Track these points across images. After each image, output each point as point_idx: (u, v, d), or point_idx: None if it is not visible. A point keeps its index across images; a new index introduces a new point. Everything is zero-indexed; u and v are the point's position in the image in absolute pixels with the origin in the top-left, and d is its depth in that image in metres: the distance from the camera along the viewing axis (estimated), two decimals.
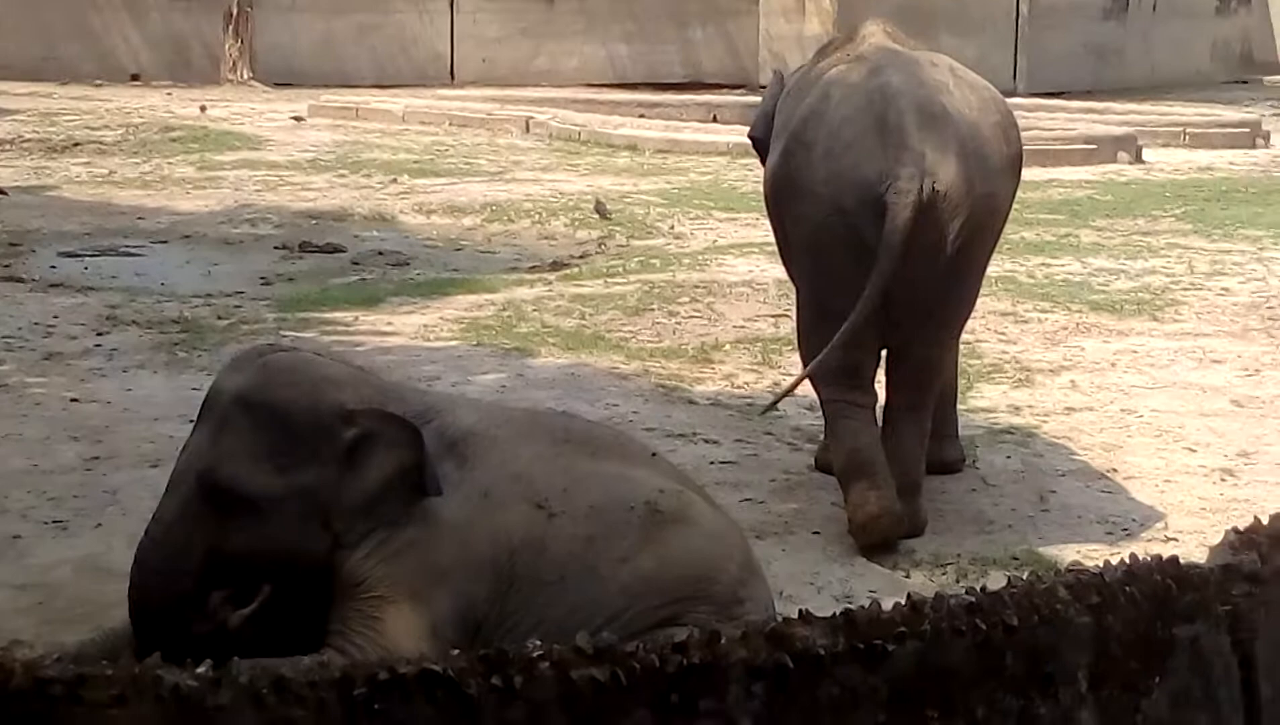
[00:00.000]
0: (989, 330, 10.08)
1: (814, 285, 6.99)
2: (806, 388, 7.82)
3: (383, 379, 5.01)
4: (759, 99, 8.63)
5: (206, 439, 4.51)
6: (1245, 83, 31.32)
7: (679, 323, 10.35)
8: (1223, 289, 11.80)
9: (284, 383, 4.53)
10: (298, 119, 21.95)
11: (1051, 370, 9.36)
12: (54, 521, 6.40)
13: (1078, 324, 10.54)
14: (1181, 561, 3.25)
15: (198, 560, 4.45)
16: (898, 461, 6.68)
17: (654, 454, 5.13)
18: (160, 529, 4.55)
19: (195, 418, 4.62)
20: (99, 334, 9.62)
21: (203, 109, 22.51)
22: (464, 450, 4.55)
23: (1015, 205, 7.26)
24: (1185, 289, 11.76)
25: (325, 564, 4.45)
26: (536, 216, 14.62)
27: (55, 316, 10.03)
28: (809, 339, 7.06)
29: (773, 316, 10.39)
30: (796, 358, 8.63)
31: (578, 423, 5.19)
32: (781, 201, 7.11)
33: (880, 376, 6.98)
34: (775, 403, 7.50)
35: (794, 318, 7.50)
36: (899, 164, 6.50)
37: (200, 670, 2.64)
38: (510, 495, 4.52)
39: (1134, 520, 6.94)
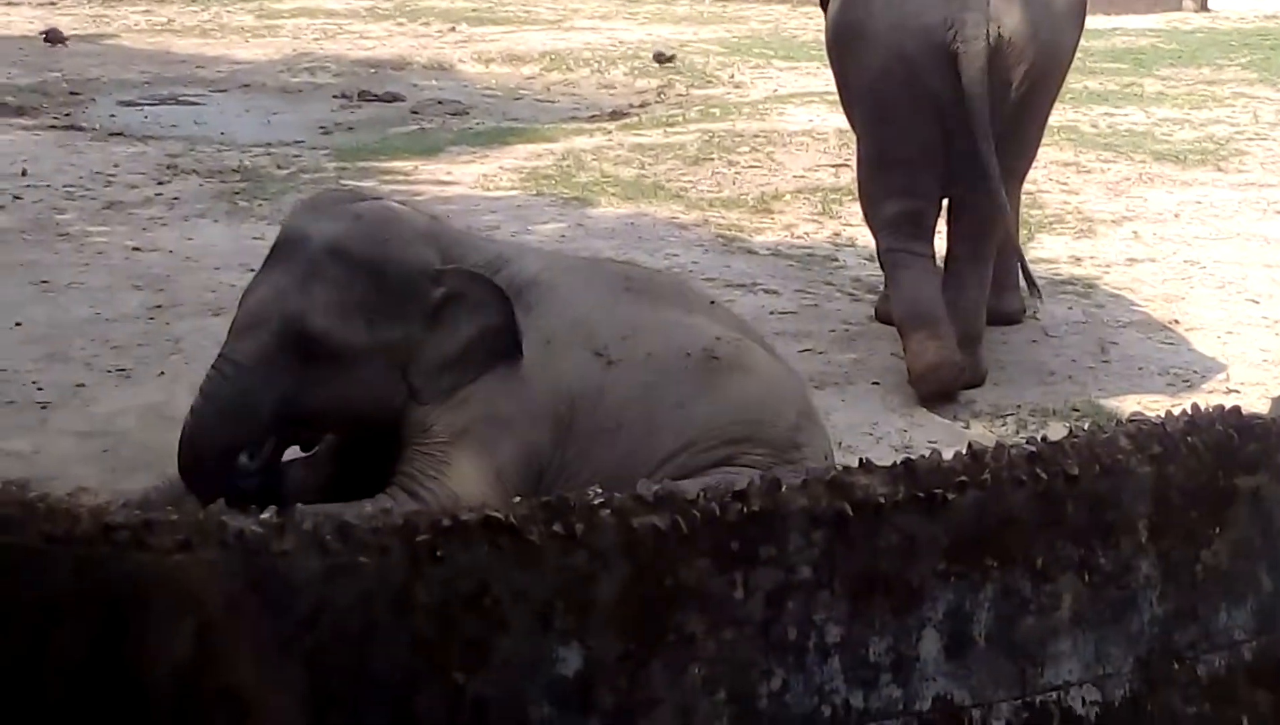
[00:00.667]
0: (1051, 180, 10.01)
1: (875, 134, 6.94)
2: (866, 238, 7.80)
3: (456, 228, 4.98)
4: None
5: (294, 284, 4.40)
6: None
7: (739, 172, 10.30)
8: None
9: (379, 237, 4.46)
10: None
11: (1114, 221, 9.29)
12: (117, 370, 6.42)
13: (1141, 174, 10.45)
14: (1243, 412, 3.23)
15: (270, 405, 4.38)
16: (958, 312, 6.66)
17: (713, 302, 5.11)
18: (234, 369, 4.40)
19: (268, 258, 4.52)
20: (159, 183, 9.63)
21: None
22: (529, 298, 4.53)
23: (1078, 54, 7.18)
24: (1250, 139, 11.63)
25: (395, 418, 4.45)
26: (595, 65, 14.55)
27: (116, 165, 10.03)
28: (869, 188, 7.02)
29: (833, 166, 10.33)
30: (857, 207, 8.60)
31: (638, 271, 5.17)
32: (843, 50, 7.05)
33: (941, 228, 6.94)
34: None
35: (854, 167, 7.46)
36: (964, 10, 6.44)
37: (264, 516, 2.66)
38: (571, 343, 4.52)
39: (1195, 372, 6.90)
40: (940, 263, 6.90)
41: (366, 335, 4.39)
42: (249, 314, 4.46)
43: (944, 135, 6.60)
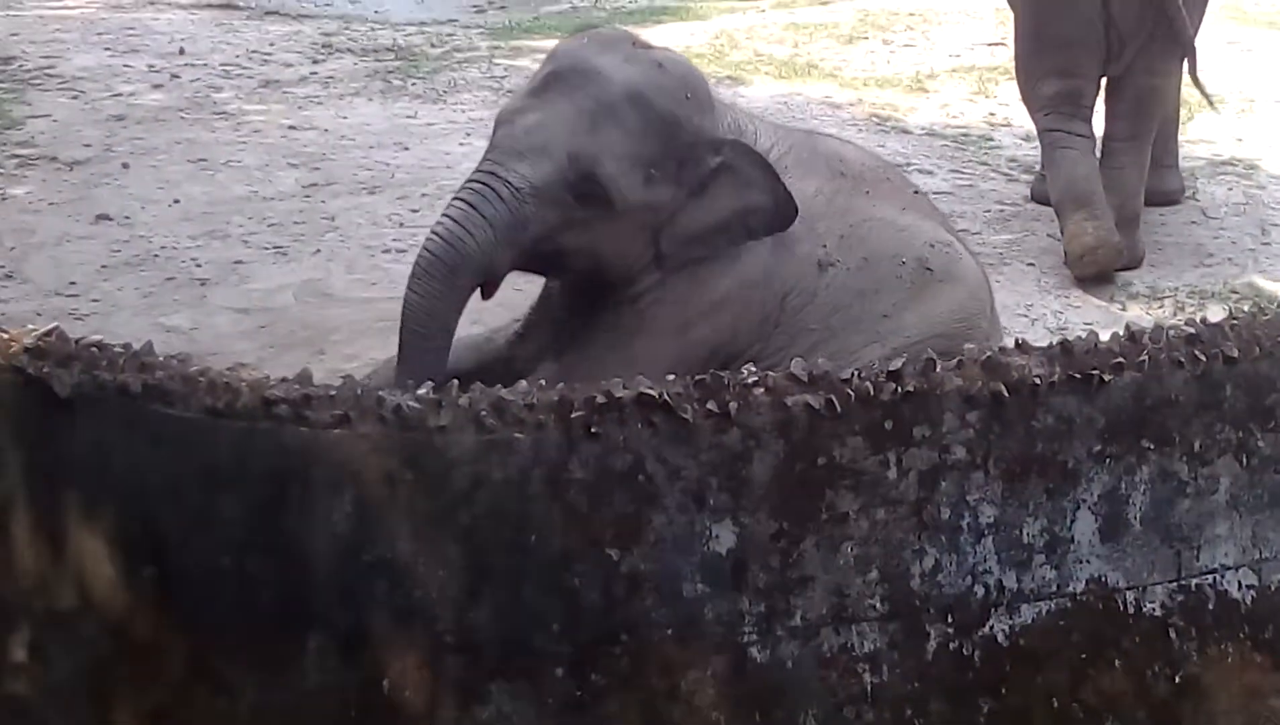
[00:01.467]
0: (1211, 58, 9.81)
1: (1035, 10, 6.87)
2: (1022, 118, 7.72)
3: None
4: None
5: (586, 121, 4.23)
6: None
7: (893, 51, 10.20)
8: None
9: (680, 94, 4.33)
10: None
11: (1277, 100, 9.11)
12: (274, 247, 6.49)
13: None
14: None
15: (535, 235, 4.23)
16: (1116, 192, 6.59)
17: (916, 191, 5.04)
18: (510, 191, 4.18)
19: (541, 84, 4.32)
20: (314, 61, 9.67)
21: None
22: None
23: None
24: None
25: (631, 277, 4.40)
26: None
27: (271, 44, 10.08)
28: (1028, 66, 6.96)
29: (989, 44, 10.20)
30: (1013, 87, 8.47)
31: (850, 151, 5.03)
32: None
33: (1100, 106, 6.85)
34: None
35: (1012, 45, 7.37)
36: None
37: (422, 392, 2.69)
38: (793, 236, 4.45)
39: None
40: (1099, 143, 6.81)
41: (643, 190, 4.28)
42: (528, 138, 4.26)
43: (1103, 12, 6.51)
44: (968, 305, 4.58)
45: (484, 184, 4.20)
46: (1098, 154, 6.75)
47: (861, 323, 4.42)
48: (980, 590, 2.83)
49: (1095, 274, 6.42)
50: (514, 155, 4.23)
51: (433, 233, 4.21)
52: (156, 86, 8.89)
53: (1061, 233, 6.54)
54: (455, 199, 4.22)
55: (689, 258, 4.39)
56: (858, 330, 4.41)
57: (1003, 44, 10.01)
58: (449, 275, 4.17)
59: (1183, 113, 8.39)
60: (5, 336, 2.72)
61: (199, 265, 6.26)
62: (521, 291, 4.72)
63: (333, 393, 2.68)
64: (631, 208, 4.26)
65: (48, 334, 2.72)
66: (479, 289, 4.28)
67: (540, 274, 4.59)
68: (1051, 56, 6.67)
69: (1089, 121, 6.78)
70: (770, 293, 4.42)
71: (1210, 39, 9.71)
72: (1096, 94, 6.82)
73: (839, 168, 4.70)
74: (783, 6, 11.61)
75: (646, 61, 4.37)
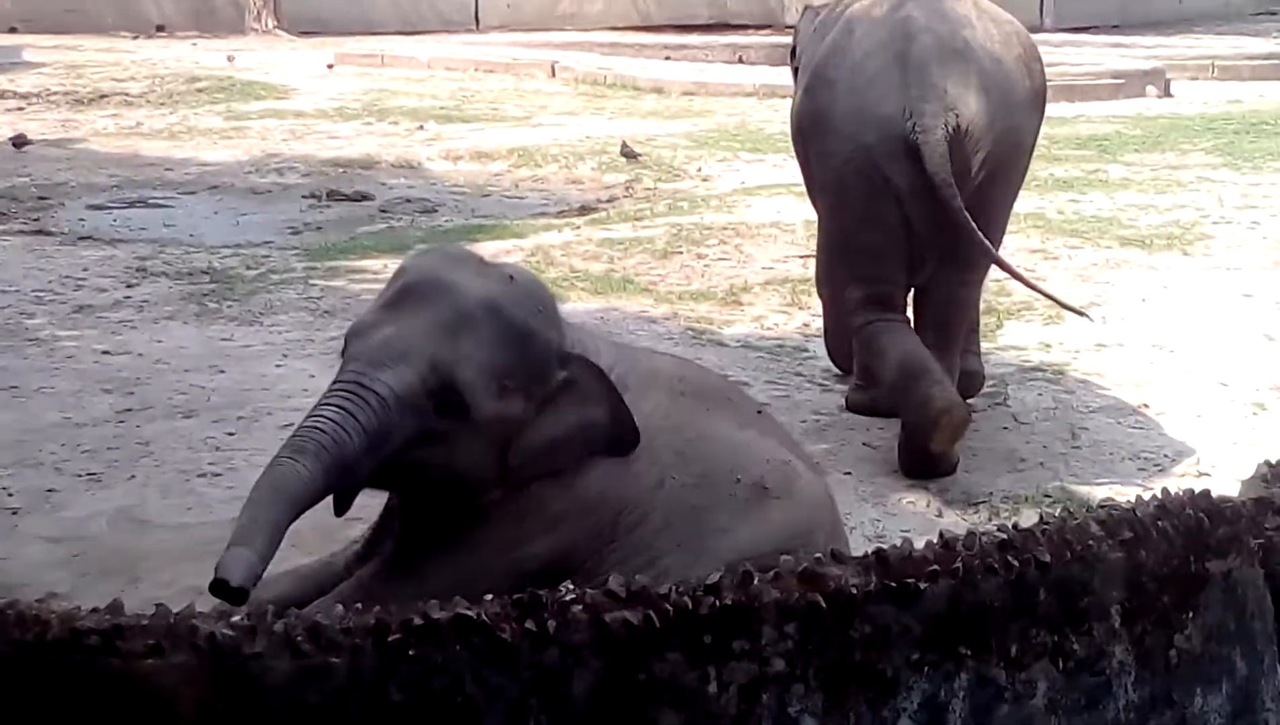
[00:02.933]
0: (1020, 267, 10.03)
1: (838, 222, 7.00)
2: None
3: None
4: (786, 39, 8.60)
5: (444, 331, 4.23)
6: (1275, 14, 31.13)
7: (707, 265, 10.33)
8: (1253, 222, 11.74)
9: (531, 306, 4.38)
10: (331, 67, 22.00)
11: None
12: (88, 474, 6.40)
13: (1107, 260, 10.49)
14: (1214, 495, 3.25)
15: (394, 445, 4.18)
16: None
17: (760, 411, 5.10)
18: (376, 399, 4.14)
19: (393, 299, 4.33)
20: (129, 286, 9.62)
21: (230, 59, 22.50)
22: None
23: (1043, 141, 7.24)
24: (1215, 223, 11.70)
25: (479, 493, 4.37)
26: (563, 161, 14.59)
27: (85, 269, 10.03)
28: (835, 273, 7.08)
29: (801, 257, 10.34)
30: None
31: (691, 371, 5.09)
32: (806, 138, 7.13)
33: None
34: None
35: (815, 254, 7.51)
36: (922, 100, 6.50)
37: (235, 619, 2.66)
38: (630, 454, 4.47)
39: (1166, 455, 6.92)
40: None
41: (497, 402, 4.28)
42: (388, 348, 4.22)
43: (906, 223, 6.65)
44: (803, 522, 4.57)
45: (351, 392, 4.16)
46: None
47: (698, 539, 4.41)
48: None
49: (950, 438, 6.44)
50: (376, 365, 4.20)
51: (308, 427, 4.14)
52: None
53: (906, 410, 6.53)
54: (324, 404, 4.17)
55: (533, 474, 4.39)
56: (693, 548, 4.39)
57: (814, 256, 10.18)
58: (316, 464, 4.07)
59: (991, 320, 8.58)
60: None
61: (10, 494, 6.16)
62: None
63: (145, 622, 2.64)
64: (487, 419, 4.26)
65: None
66: (333, 498, 4.23)
67: (388, 489, 4.56)
68: (858, 264, 6.80)
69: (904, 316, 6.90)
70: (606, 509, 4.42)
71: (1016, 248, 9.98)
72: (905, 300, 6.94)
73: (679, 387, 4.72)
74: (597, 223, 11.74)
75: (498, 275, 4.42)
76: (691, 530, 4.42)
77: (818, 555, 2.92)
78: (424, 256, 4.81)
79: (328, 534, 5.19)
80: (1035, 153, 7.21)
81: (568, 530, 4.40)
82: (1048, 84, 7.22)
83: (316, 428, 4.12)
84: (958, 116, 6.51)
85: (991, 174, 6.66)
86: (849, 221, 6.88)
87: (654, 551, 4.39)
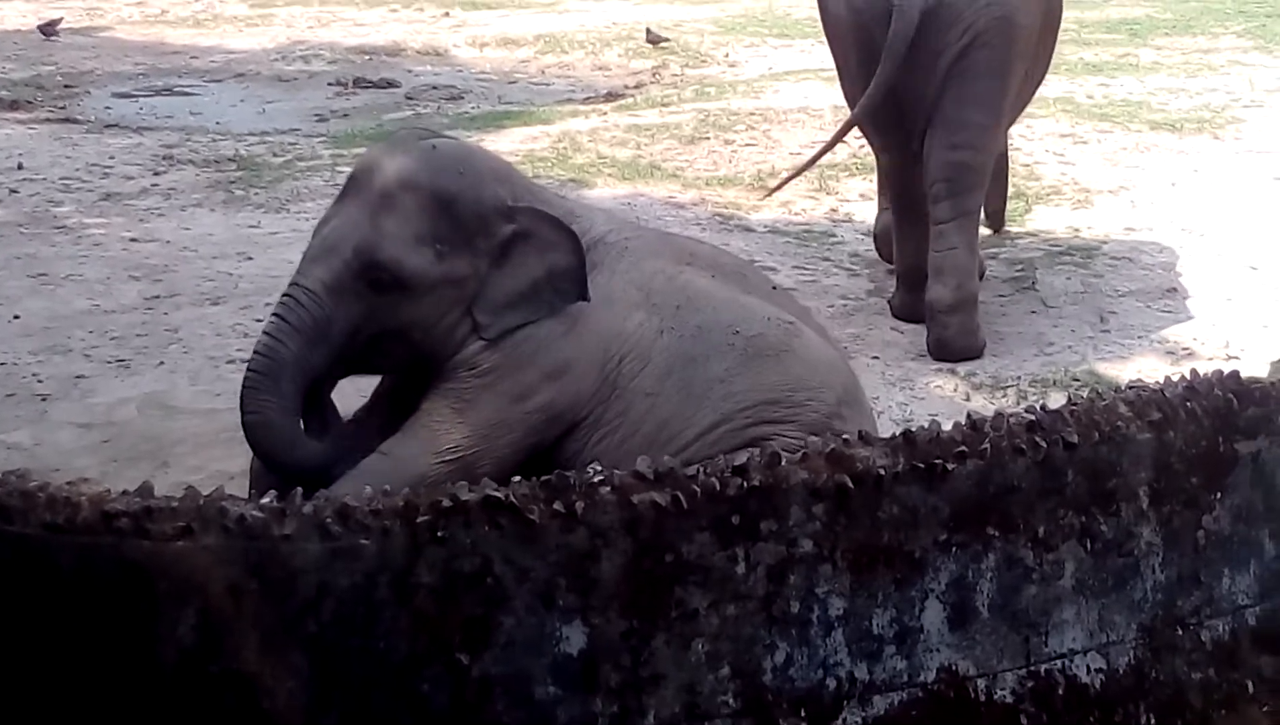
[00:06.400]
0: (1048, 151, 9.98)
1: (841, 79, 7.27)
2: (863, 214, 7.84)
3: (528, 178, 5.03)
4: None
5: (365, 216, 4.46)
6: None
7: (735, 151, 10.28)
8: None
9: (452, 170, 4.54)
10: None
11: (1111, 191, 9.27)
12: (117, 360, 6.42)
13: (1137, 144, 10.42)
14: (1243, 377, 3.23)
15: (342, 330, 4.43)
16: (950, 272, 6.68)
17: (775, 287, 5.18)
18: (307, 295, 4.42)
19: (341, 192, 4.59)
20: (156, 174, 9.61)
21: None
22: (595, 256, 4.64)
23: (1072, 25, 7.23)
24: (1245, 106, 11.60)
25: (455, 354, 4.53)
26: (590, 47, 14.53)
27: (112, 157, 10.02)
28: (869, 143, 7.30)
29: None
30: (854, 183, 8.60)
31: (705, 248, 5.23)
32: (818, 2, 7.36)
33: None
34: (780, 186, 7.96)
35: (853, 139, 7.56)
36: None
37: (265, 501, 2.66)
38: (629, 304, 4.64)
39: (1195, 338, 6.90)
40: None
41: (435, 266, 4.46)
42: (322, 242, 4.51)
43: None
44: (802, 377, 4.63)
45: (288, 295, 4.45)
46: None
47: (693, 387, 4.53)
48: (832, 683, 2.84)
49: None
50: (311, 261, 4.50)
51: (253, 352, 4.44)
52: None
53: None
54: (271, 315, 4.47)
55: (508, 326, 4.53)
56: (691, 395, 4.52)
57: (842, 141, 10.15)
58: (271, 386, 4.38)
59: (1019, 205, 8.54)
60: None
61: (40, 380, 6.19)
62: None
63: (175, 504, 2.65)
64: (429, 283, 4.47)
65: None
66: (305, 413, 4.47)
67: (373, 372, 4.75)
68: (871, 133, 6.96)
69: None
70: (607, 357, 4.55)
71: (1045, 132, 9.92)
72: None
73: (688, 258, 4.84)
74: (624, 110, 11.69)
75: (420, 149, 4.58)
76: (690, 378, 4.53)
77: (845, 436, 2.91)
78: (371, 147, 5.04)
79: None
80: (1064, 36, 7.17)
81: (572, 379, 4.53)
82: None
83: (256, 352, 4.42)
84: None
85: (969, 50, 6.66)
86: (845, 80, 7.19)
87: (654, 399, 4.52)
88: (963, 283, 6.71)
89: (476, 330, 4.52)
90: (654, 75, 13.27)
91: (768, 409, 4.54)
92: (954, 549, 2.90)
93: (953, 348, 6.69)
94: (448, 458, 4.40)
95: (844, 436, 2.90)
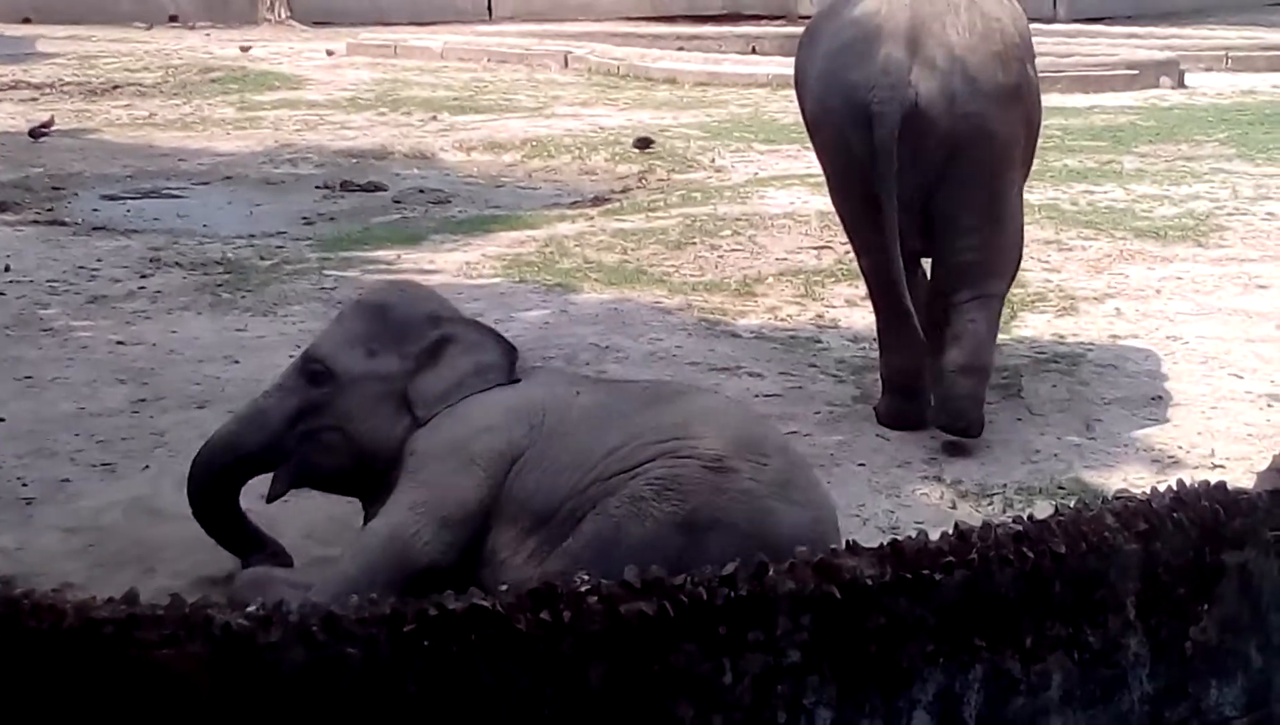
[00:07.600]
0: (1033, 258, 10.00)
1: (825, 175, 7.28)
2: (849, 320, 7.86)
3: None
4: (799, 30, 8.61)
5: (324, 330, 5.44)
6: None
7: (721, 256, 10.32)
8: (1268, 214, 11.72)
9: (395, 293, 5.51)
10: (331, 54, 22.11)
11: (1096, 298, 9.31)
12: (102, 464, 6.42)
13: (1121, 251, 10.48)
14: (1229, 487, 3.24)
15: (279, 419, 5.18)
16: (968, 340, 6.71)
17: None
18: (263, 394, 5.33)
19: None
20: (143, 276, 9.63)
21: (244, 49, 22.54)
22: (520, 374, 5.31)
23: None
24: (1230, 214, 11.68)
25: (398, 451, 5.09)
26: (577, 152, 14.60)
27: (99, 260, 10.04)
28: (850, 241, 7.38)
29: (815, 248, 10.36)
30: (840, 289, 8.62)
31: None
32: (797, 89, 7.41)
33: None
34: None
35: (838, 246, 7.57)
36: (885, 73, 6.60)
37: (251, 609, 2.66)
38: (552, 381, 5.31)
39: (1180, 447, 6.91)
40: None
41: (363, 363, 5.17)
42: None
43: (871, 190, 6.73)
44: (693, 418, 4.97)
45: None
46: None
47: (607, 421, 4.99)
48: None
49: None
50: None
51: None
52: None
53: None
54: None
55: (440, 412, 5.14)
56: (601, 425, 4.97)
57: (828, 247, 10.18)
58: (205, 469, 5.29)
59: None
60: None
61: (25, 484, 6.18)
62: None
63: (160, 612, 2.64)
64: (356, 376, 5.16)
65: None
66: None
67: (326, 481, 5.33)
68: (851, 234, 7.16)
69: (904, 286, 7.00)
70: (533, 411, 5.06)
71: (1030, 239, 9.96)
72: (902, 270, 7.00)
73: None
74: (611, 214, 11.74)
75: (380, 287, 5.76)
76: (602, 415, 5.03)
77: (832, 546, 2.92)
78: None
79: (344, 523, 5.35)
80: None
81: (504, 427, 5.01)
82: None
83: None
84: (916, 94, 6.58)
85: (952, 155, 6.67)
86: (828, 177, 7.22)
87: (571, 437, 4.97)
88: (979, 352, 6.73)
89: (415, 422, 5.10)
90: (640, 180, 13.33)
91: (669, 430, 4.90)
92: (941, 660, 2.89)
93: (957, 410, 6.72)
94: (419, 511, 4.86)
95: (832, 547, 2.90)
